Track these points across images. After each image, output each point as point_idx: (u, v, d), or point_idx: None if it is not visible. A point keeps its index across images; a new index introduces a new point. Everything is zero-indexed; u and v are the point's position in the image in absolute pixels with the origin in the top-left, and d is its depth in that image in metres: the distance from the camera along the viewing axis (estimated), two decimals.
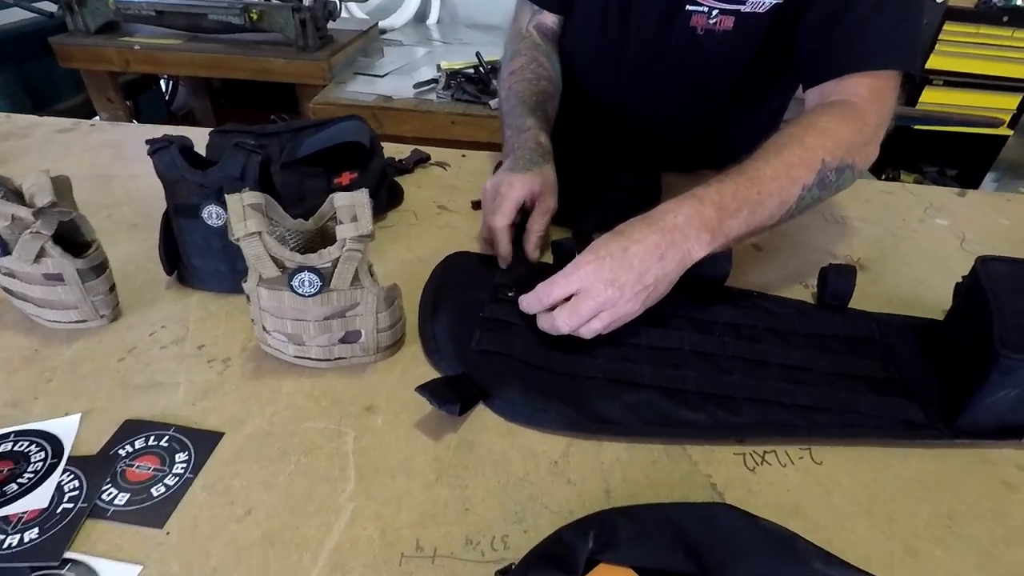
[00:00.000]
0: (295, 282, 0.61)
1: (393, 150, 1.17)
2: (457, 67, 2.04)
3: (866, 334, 0.78)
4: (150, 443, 0.61)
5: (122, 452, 0.60)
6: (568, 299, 0.69)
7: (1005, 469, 0.64)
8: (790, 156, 0.75)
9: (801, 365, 0.72)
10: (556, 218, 0.88)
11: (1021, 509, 0.60)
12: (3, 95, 2.25)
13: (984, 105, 2.46)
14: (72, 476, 0.57)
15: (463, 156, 1.19)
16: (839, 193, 0.84)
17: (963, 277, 0.80)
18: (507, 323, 0.75)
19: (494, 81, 1.94)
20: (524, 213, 0.87)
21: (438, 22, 2.77)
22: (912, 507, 0.59)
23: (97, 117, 2.46)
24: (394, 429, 0.64)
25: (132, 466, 0.58)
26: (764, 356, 0.73)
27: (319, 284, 0.61)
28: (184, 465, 0.59)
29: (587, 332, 0.70)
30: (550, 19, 1.13)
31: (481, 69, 2.00)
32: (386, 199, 0.99)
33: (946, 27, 2.25)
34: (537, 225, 0.85)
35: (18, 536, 0.52)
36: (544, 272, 0.82)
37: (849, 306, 0.82)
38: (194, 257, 0.77)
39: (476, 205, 1.02)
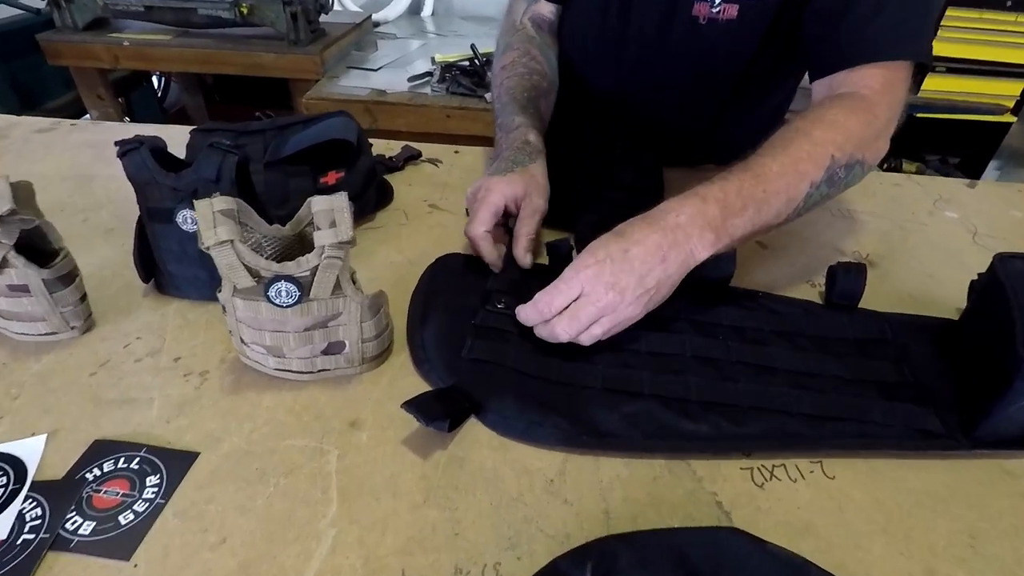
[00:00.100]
0: (272, 292, 0.57)
1: (383, 147, 1.13)
2: (452, 60, 2.01)
3: (877, 335, 0.74)
4: (120, 465, 0.57)
5: (89, 476, 0.56)
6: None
7: None
8: (797, 151, 0.71)
9: (809, 370, 0.69)
10: (553, 220, 0.84)
11: None
12: None
13: (987, 92, 2.41)
14: (35, 504, 0.54)
15: (456, 152, 1.15)
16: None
17: (979, 274, 0.77)
18: (500, 330, 0.71)
19: (489, 74, 1.90)
20: (514, 216, 0.83)
21: (432, 14, 2.72)
22: (930, 524, 0.56)
23: (88, 115, 2.42)
24: (380, 445, 0.60)
25: (99, 492, 0.55)
26: (770, 361, 0.69)
27: (297, 294, 0.58)
28: (155, 489, 0.55)
29: (587, 339, 0.66)
30: (547, 9, 1.09)
31: (476, 61, 1.96)
32: (375, 198, 0.95)
33: (948, 12, 2.20)
34: (525, 228, 0.81)
35: None
36: (539, 274, 0.78)
37: (858, 305, 0.79)
38: (170, 264, 0.73)
39: None
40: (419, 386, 0.67)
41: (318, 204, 0.56)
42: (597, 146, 0.98)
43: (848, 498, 0.57)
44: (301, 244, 0.63)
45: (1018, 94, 2.43)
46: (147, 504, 0.54)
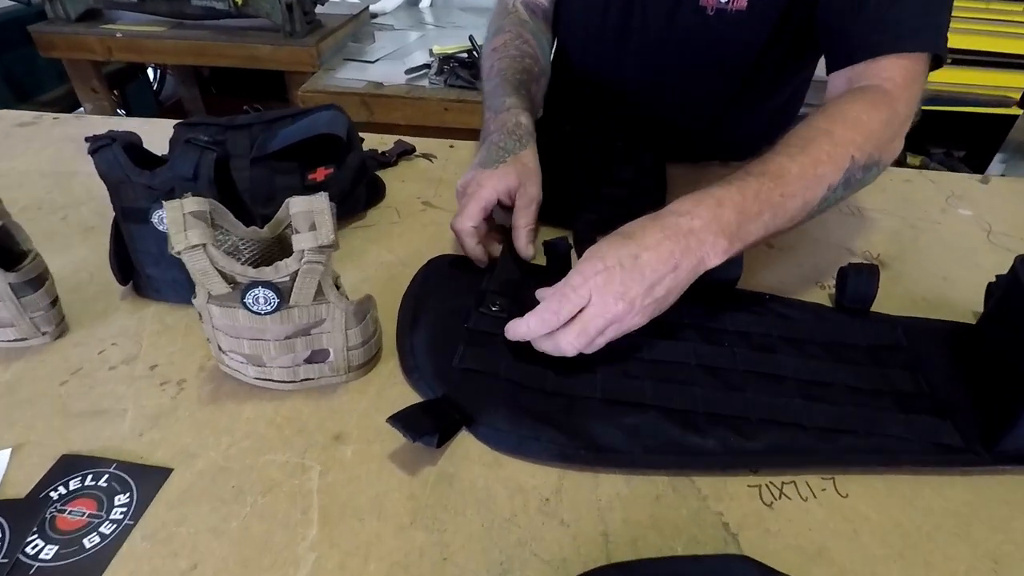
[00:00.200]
0: (248, 299, 0.54)
1: (376, 141, 1.09)
2: (450, 51, 1.97)
3: (890, 341, 0.70)
4: (87, 483, 0.54)
5: (54, 495, 0.53)
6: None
7: None
8: (818, 152, 0.67)
9: (821, 379, 0.65)
10: (550, 218, 0.80)
11: None
12: None
13: (993, 84, 2.37)
14: None
15: (451, 147, 1.11)
16: None
17: (997, 276, 0.73)
18: (494, 335, 0.68)
19: None
20: (508, 208, 0.79)
21: (431, 5, 2.68)
22: (950, 547, 0.52)
23: (82, 108, 2.39)
24: (365, 462, 0.57)
25: (64, 512, 0.51)
26: (779, 369, 0.66)
27: (277, 301, 0.54)
28: (124, 509, 0.52)
29: (591, 349, 0.62)
30: None
31: (475, 53, 1.93)
32: (365, 196, 0.92)
33: (956, 3, 2.16)
34: (524, 219, 0.77)
35: None
36: (537, 275, 0.75)
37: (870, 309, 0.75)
38: (148, 266, 0.70)
39: None
40: (408, 395, 0.63)
41: (296, 205, 0.53)
42: (596, 142, 0.94)
43: (863, 519, 0.54)
44: (281, 247, 0.59)
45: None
46: (114, 526, 0.51)
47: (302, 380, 0.62)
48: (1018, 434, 0.57)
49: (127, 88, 2.76)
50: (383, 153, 1.05)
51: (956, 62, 2.33)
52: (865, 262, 0.77)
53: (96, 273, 0.77)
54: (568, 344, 0.60)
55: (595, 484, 0.56)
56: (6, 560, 0.48)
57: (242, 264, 0.54)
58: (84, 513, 0.51)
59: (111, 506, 0.52)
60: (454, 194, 0.93)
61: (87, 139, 0.63)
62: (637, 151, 0.92)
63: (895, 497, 0.56)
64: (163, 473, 0.55)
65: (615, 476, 0.56)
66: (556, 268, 0.79)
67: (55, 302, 0.66)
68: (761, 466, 0.57)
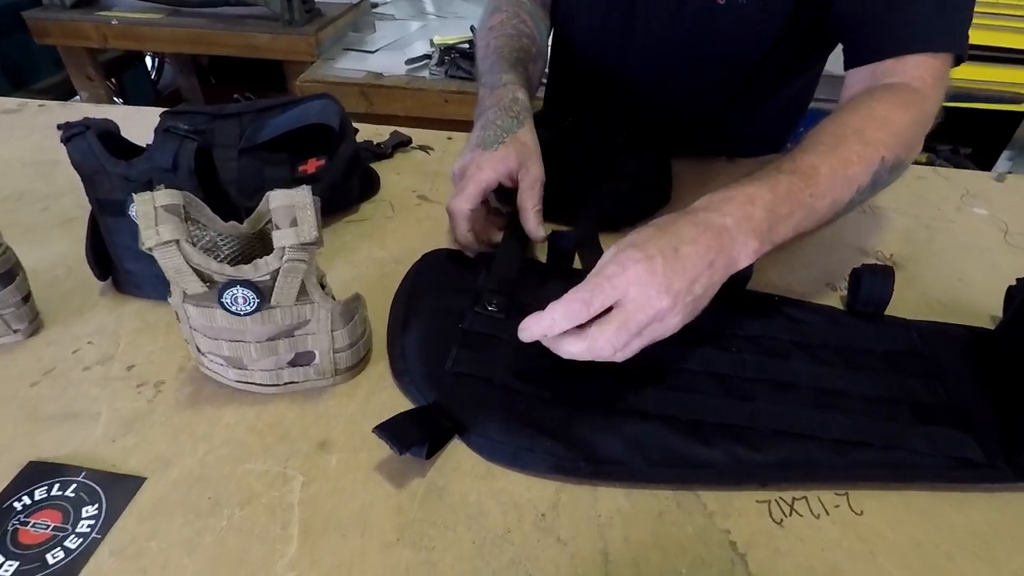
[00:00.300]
0: (226, 299, 0.50)
1: (371, 132, 1.05)
2: (451, 42, 1.93)
3: (907, 347, 0.67)
4: (53, 492, 0.50)
5: (18, 505, 0.49)
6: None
7: None
8: (848, 152, 0.64)
9: (834, 387, 0.61)
10: (549, 214, 0.77)
11: None
12: None
13: (1001, 79, 2.33)
14: None
15: (449, 139, 1.07)
16: None
17: (1017, 280, 0.70)
18: (489, 336, 0.64)
19: None
20: (509, 191, 0.76)
21: None
22: (972, 570, 0.49)
23: (77, 96, 2.35)
24: (350, 471, 0.53)
25: (27, 524, 0.48)
26: (791, 376, 0.62)
27: (257, 301, 0.51)
28: (91, 522, 0.48)
29: (623, 355, 0.55)
30: None
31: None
32: (358, 188, 0.88)
33: None
34: (530, 201, 0.73)
35: None
36: (537, 271, 0.71)
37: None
38: (127, 261, 0.66)
39: None
40: (398, 400, 0.60)
41: (277, 199, 0.49)
42: (598, 136, 0.90)
43: (879, 537, 0.51)
44: (263, 244, 0.56)
45: None
46: (81, 540, 0.47)
47: (286, 383, 0.58)
48: None
49: (124, 77, 2.73)
50: (378, 144, 1.01)
51: None
52: (879, 263, 0.74)
53: (75, 267, 0.73)
54: (606, 342, 0.53)
55: (594, 499, 0.53)
56: None
57: (220, 262, 0.51)
58: (49, 526, 0.48)
59: (78, 518, 0.49)
60: (451, 188, 0.90)
61: (59, 126, 0.60)
62: (641, 145, 0.88)
63: (913, 514, 0.52)
64: (135, 482, 0.52)
65: (615, 490, 0.53)
66: (558, 265, 0.76)
67: (27, 298, 0.63)
68: (771, 480, 0.54)
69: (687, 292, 0.54)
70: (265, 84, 2.48)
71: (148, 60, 2.95)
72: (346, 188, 0.85)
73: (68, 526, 0.48)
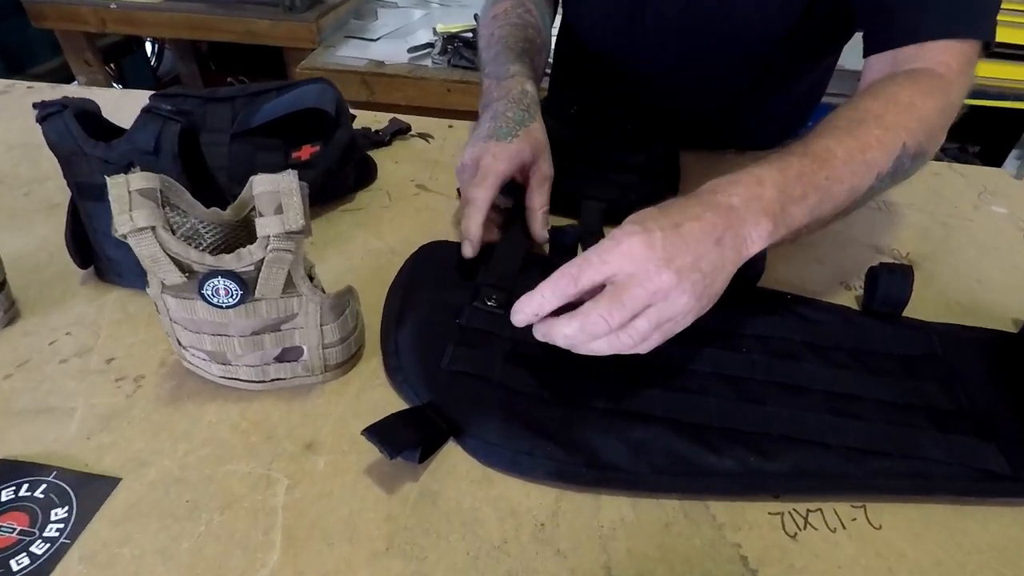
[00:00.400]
0: (207, 290, 0.47)
1: (369, 119, 1.02)
2: (454, 31, 1.90)
3: (926, 351, 0.64)
4: (22, 493, 0.47)
5: None
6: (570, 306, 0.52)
7: None
8: (867, 136, 0.60)
9: (849, 391, 0.58)
10: (553, 207, 0.74)
11: None
12: None
13: (1010, 77, 2.29)
14: None
15: (450, 127, 1.04)
16: None
17: None
18: (488, 333, 0.61)
19: None
20: (515, 187, 0.73)
21: None
22: None
23: (75, 81, 2.32)
24: (339, 475, 0.50)
25: None
26: (803, 380, 0.59)
27: (240, 292, 0.48)
28: (60, 526, 0.46)
29: (644, 347, 0.52)
30: None
31: None
32: (354, 176, 0.85)
33: None
34: (539, 199, 0.71)
35: None
36: (541, 266, 0.68)
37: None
38: (109, 248, 0.63)
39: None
40: (391, 399, 0.57)
41: (260, 184, 0.46)
42: (605, 126, 0.87)
43: (899, 555, 0.48)
44: (248, 232, 0.52)
45: None
46: (48, 545, 0.44)
47: (272, 380, 0.55)
48: None
49: (123, 62, 2.69)
50: (376, 132, 0.98)
51: None
52: (896, 262, 0.70)
53: (56, 254, 0.70)
54: (599, 316, 0.49)
55: (596, 508, 0.49)
56: None
57: (202, 251, 0.48)
58: (14, 529, 0.45)
59: (46, 521, 0.46)
60: (451, 178, 0.87)
61: (35, 105, 0.56)
62: (649, 136, 0.85)
63: (933, 529, 0.50)
64: (109, 483, 0.49)
65: (619, 499, 0.50)
66: (561, 260, 0.72)
67: (2, 285, 0.60)
68: (783, 490, 0.51)
69: (692, 268, 0.50)
70: (265, 71, 2.45)
71: (148, 46, 2.91)
72: (341, 175, 0.82)
73: (35, 530, 0.45)
